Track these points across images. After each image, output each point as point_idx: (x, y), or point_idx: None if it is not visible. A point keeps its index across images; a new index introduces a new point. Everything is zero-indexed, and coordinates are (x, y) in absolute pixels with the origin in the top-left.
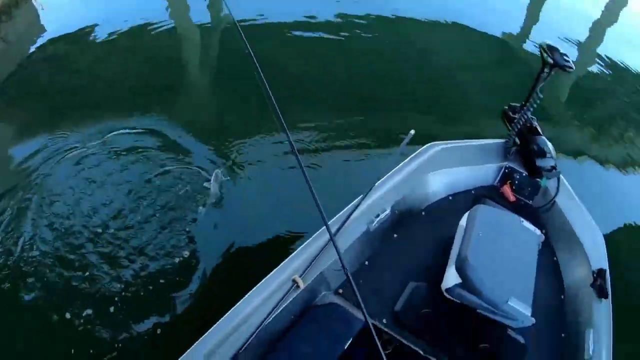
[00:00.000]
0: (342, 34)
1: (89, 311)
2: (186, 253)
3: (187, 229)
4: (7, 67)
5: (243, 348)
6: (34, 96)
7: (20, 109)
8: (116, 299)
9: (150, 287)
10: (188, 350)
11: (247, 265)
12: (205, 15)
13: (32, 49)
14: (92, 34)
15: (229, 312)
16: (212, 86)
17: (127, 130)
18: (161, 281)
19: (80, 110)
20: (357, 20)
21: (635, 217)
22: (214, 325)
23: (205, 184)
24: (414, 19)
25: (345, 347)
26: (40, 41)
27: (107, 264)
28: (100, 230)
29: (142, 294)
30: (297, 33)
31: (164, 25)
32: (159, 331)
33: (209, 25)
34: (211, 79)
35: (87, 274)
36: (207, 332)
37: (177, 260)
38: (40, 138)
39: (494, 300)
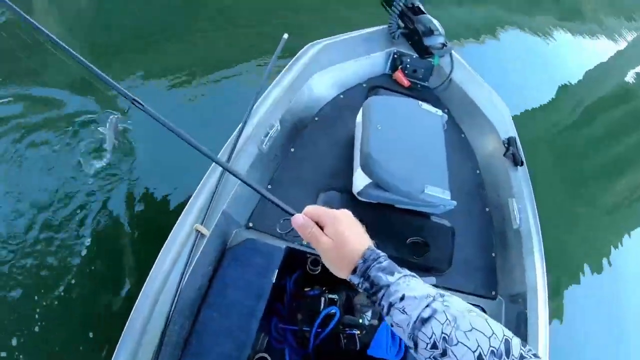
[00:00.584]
0: None
1: None
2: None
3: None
4: None
5: (172, 311)
6: None
7: None
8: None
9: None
10: (122, 336)
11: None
12: None
13: None
14: None
15: (147, 280)
16: None
17: None
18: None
19: None
20: None
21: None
22: (137, 301)
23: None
24: None
25: (274, 280)
26: None
27: None
28: None
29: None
30: None
31: None
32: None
33: None
34: None
35: None
36: (130, 314)
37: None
38: None
39: (410, 192)
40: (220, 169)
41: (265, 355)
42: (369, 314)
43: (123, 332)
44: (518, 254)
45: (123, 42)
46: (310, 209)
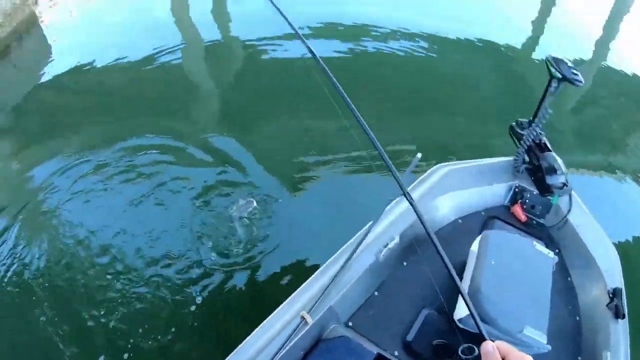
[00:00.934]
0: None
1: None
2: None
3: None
4: (19, 90)
5: None
6: (45, 117)
7: (31, 130)
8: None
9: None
10: None
11: (256, 296)
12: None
13: (43, 72)
14: (102, 58)
15: (237, 349)
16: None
17: (148, 150)
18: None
19: (96, 128)
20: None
21: None
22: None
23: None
24: (418, 33)
25: None
26: (51, 65)
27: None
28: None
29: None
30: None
31: (174, 49)
32: None
33: (219, 43)
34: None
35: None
36: None
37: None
38: (59, 157)
39: (509, 330)
40: (334, 267)
41: None
42: None
43: None
44: None
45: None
46: (501, 344)
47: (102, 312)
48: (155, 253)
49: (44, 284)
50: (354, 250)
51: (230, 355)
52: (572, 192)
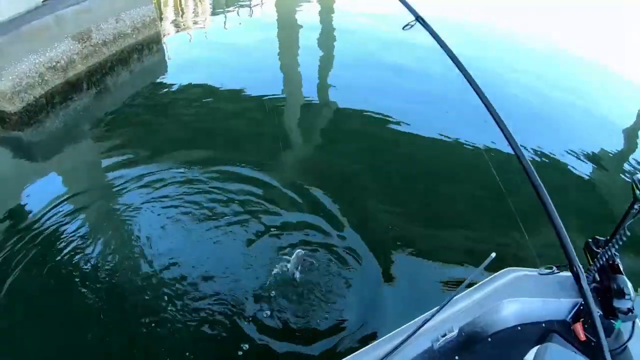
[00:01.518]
0: None
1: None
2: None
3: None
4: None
5: None
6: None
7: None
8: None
9: None
10: None
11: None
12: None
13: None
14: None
15: None
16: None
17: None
18: None
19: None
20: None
21: None
22: None
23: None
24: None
25: None
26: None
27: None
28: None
29: None
30: None
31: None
32: None
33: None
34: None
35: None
36: None
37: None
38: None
39: None
40: (389, 346)
41: None
42: None
43: None
44: None
45: None
46: None
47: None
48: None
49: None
50: (412, 334)
51: None
52: (637, 319)
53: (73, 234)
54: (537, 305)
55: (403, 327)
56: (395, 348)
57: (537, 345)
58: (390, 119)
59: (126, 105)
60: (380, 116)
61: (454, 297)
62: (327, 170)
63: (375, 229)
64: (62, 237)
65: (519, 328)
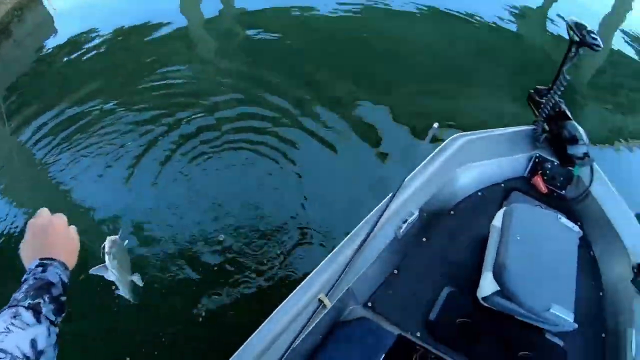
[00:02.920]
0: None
1: None
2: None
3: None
4: (20, 68)
5: None
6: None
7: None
8: None
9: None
10: None
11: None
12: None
13: (45, 49)
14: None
15: (254, 334)
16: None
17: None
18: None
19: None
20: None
21: None
22: (239, 349)
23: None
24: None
25: None
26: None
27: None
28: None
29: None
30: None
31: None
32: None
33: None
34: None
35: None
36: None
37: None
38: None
39: (535, 308)
40: (351, 246)
41: None
42: None
43: None
44: None
45: None
46: None
47: None
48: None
49: None
50: (372, 228)
51: (246, 342)
52: (594, 163)
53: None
54: (492, 166)
55: (360, 224)
56: (359, 247)
57: (500, 205)
58: None
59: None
60: None
61: (406, 179)
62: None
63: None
64: None
65: (480, 194)
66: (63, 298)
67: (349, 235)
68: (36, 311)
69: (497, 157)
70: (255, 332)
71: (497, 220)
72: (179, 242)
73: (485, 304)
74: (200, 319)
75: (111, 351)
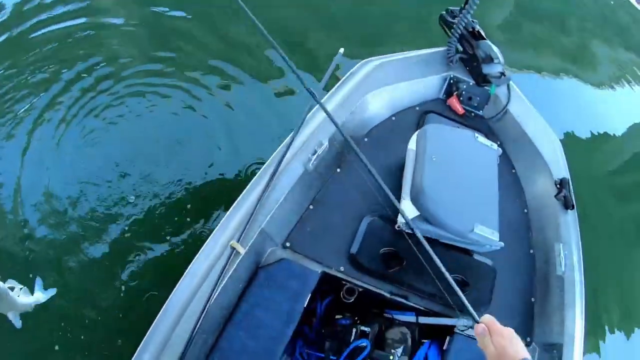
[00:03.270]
0: None
1: None
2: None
3: None
4: None
5: (197, 325)
6: None
7: None
8: None
9: None
10: (142, 342)
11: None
12: None
13: None
14: None
15: (173, 293)
16: None
17: None
18: None
19: None
20: None
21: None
22: (161, 311)
23: None
24: None
25: (306, 304)
26: None
27: None
28: None
29: None
30: None
31: None
32: None
33: None
34: None
35: None
36: (154, 322)
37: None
38: None
39: (459, 230)
40: (259, 186)
41: None
42: (400, 350)
43: (145, 339)
44: (559, 302)
45: None
46: (487, 319)
47: None
48: None
49: None
50: (279, 163)
51: (166, 301)
52: (511, 82)
53: None
54: (406, 89)
55: (268, 161)
56: (267, 186)
57: (416, 129)
58: None
59: None
60: None
61: (313, 109)
62: None
63: None
64: None
65: (394, 118)
66: None
67: (256, 176)
68: None
69: (410, 80)
70: (174, 290)
71: (412, 144)
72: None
73: (408, 231)
74: (122, 293)
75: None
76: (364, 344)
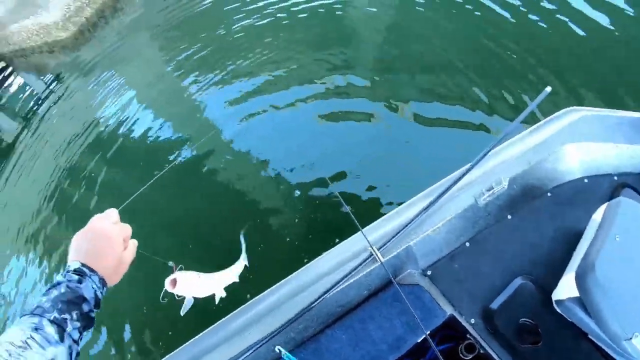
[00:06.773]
0: None
1: None
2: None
3: None
4: None
5: (307, 309)
6: None
7: None
8: None
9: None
10: (259, 296)
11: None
12: None
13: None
14: None
15: (302, 269)
16: None
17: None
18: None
19: None
20: None
21: None
22: (287, 278)
23: None
24: None
25: (420, 340)
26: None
27: None
28: None
29: None
30: None
31: None
32: None
33: None
34: None
35: None
36: (274, 287)
37: None
38: None
39: (614, 332)
40: (422, 203)
41: None
42: None
43: (261, 295)
44: None
45: None
46: None
47: None
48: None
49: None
50: (450, 187)
51: (293, 274)
52: None
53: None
54: (609, 152)
55: (441, 181)
56: (431, 204)
57: (607, 201)
58: None
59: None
60: None
61: (501, 145)
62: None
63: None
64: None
65: (586, 181)
66: (93, 314)
67: (424, 191)
68: (61, 328)
69: (616, 142)
70: (303, 267)
71: (598, 214)
72: None
73: (559, 310)
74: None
75: None
76: None
